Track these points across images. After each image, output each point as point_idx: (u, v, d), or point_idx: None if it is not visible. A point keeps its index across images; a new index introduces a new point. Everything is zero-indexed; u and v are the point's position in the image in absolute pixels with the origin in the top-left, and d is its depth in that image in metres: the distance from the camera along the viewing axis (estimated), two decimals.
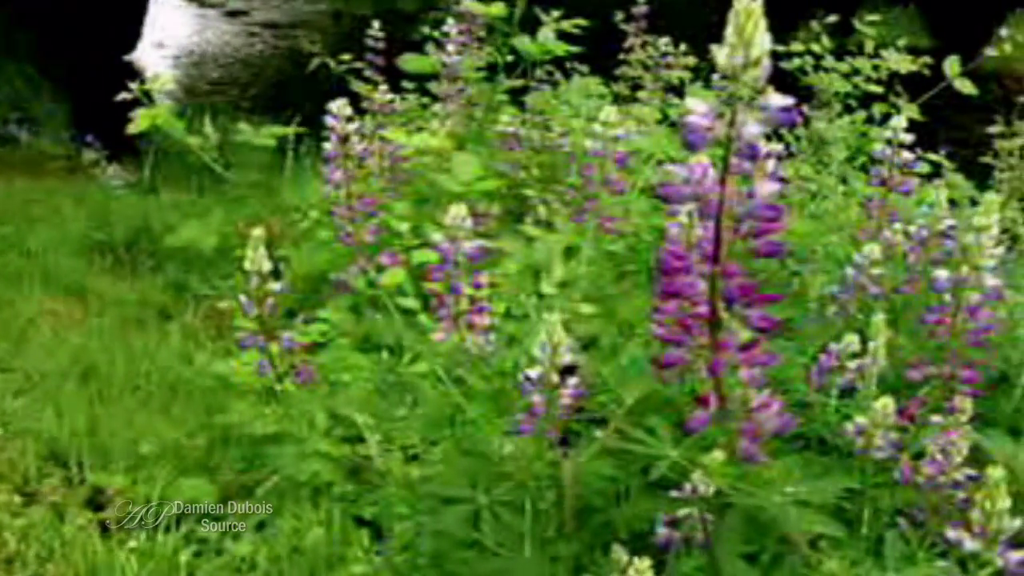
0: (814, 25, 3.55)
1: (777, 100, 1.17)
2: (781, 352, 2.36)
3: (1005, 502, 1.37)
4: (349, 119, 2.10)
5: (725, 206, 1.17)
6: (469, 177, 3.29)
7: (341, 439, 2.53)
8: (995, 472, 1.37)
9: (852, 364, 2.04)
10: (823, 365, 2.10)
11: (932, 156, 3.02)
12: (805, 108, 3.54)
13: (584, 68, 4.07)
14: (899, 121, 2.31)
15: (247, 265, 1.82)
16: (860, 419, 1.88)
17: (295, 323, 3.49)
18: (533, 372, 1.56)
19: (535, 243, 2.88)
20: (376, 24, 4.06)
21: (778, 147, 2.02)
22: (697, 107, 1.16)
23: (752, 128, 1.16)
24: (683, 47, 4.27)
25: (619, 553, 1.62)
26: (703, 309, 1.19)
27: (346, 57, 3.82)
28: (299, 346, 2.07)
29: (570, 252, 2.71)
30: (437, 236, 1.83)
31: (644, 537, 1.93)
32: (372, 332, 2.95)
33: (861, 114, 3.29)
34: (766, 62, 1.16)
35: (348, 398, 2.20)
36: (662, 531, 1.81)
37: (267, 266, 1.83)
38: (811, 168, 3.13)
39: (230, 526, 3.27)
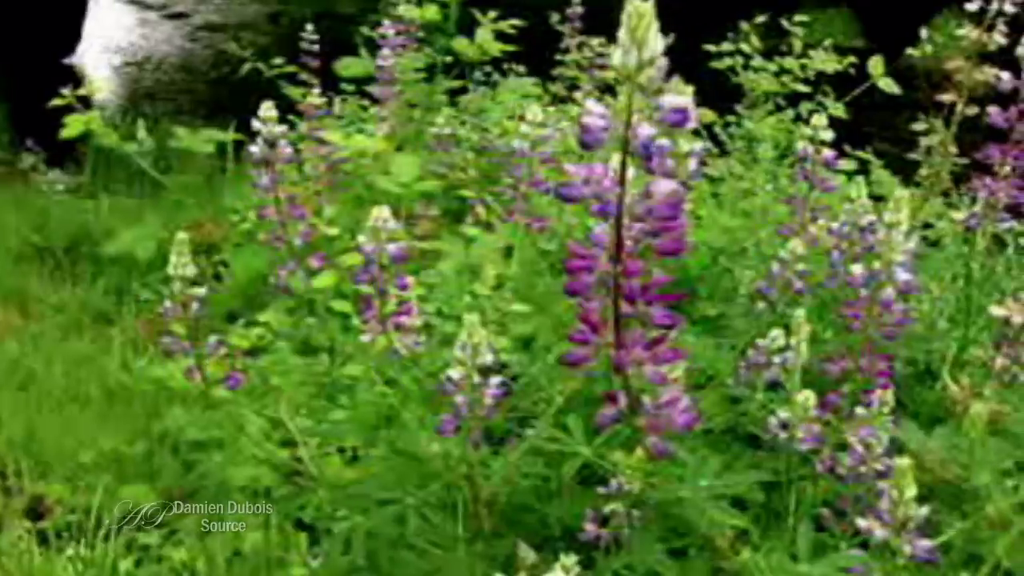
0: (743, 25, 3.61)
1: (671, 100, 1.19)
2: (711, 348, 2.42)
3: (912, 491, 1.40)
4: (277, 122, 2.09)
5: (624, 205, 1.19)
6: (408, 178, 3.29)
7: (282, 442, 2.53)
8: (902, 462, 1.41)
9: (778, 359, 2.07)
10: (751, 360, 2.13)
11: (859, 153, 3.08)
12: (739, 107, 3.60)
13: (522, 69, 4.10)
14: (819, 119, 2.35)
15: (170, 270, 1.82)
16: (782, 412, 1.91)
17: (234, 327, 3.48)
18: (454, 373, 1.57)
19: (474, 243, 2.90)
20: (310, 27, 4.05)
21: (699, 145, 2.05)
22: (594, 108, 1.18)
23: (646, 128, 1.17)
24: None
25: (524, 551, 1.64)
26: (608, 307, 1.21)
27: (278, 60, 3.80)
28: (223, 351, 2.06)
29: (510, 252, 2.73)
30: (361, 238, 1.84)
31: (578, 535, 1.96)
32: (310, 335, 2.95)
33: (790, 112, 3.35)
34: (661, 62, 1.18)
35: (278, 401, 2.20)
36: (589, 528, 1.83)
37: (191, 270, 1.82)
38: (742, 166, 3.18)
39: (171, 532, 3.26)
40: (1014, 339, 1.72)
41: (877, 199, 2.53)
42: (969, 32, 2.25)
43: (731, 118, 3.57)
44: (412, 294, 2.04)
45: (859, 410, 1.92)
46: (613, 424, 1.32)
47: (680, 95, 1.20)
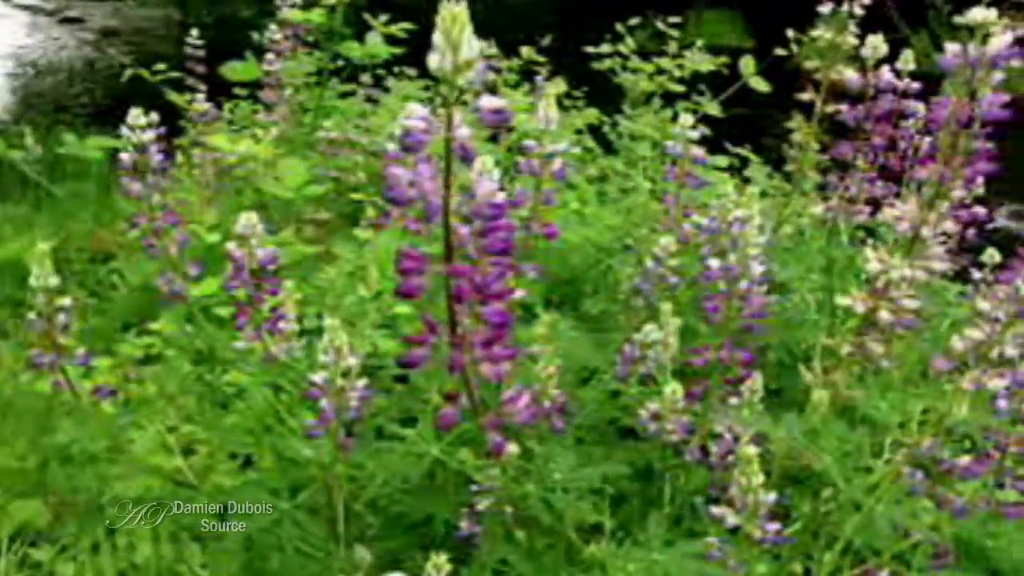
0: (619, 27, 3.67)
1: (488, 102, 1.22)
2: (592, 344, 2.46)
3: (759, 477, 1.45)
4: (145, 128, 2.06)
5: (451, 207, 1.22)
6: (297, 182, 3.28)
7: (182, 450, 2.51)
8: (748, 450, 1.45)
9: (652, 352, 2.12)
10: (627, 355, 2.18)
11: (739, 150, 3.16)
12: (625, 107, 3.66)
13: (413, 72, 4.10)
14: (685, 119, 2.41)
15: (32, 281, 1.78)
16: (652, 404, 1.96)
17: (127, 336, 3.43)
18: (317, 377, 1.57)
19: (364, 246, 2.90)
20: (195, 32, 4.01)
21: (563, 145, 2.08)
22: (415, 111, 1.20)
23: (464, 130, 1.20)
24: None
25: (361, 552, 1.66)
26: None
27: (161, 66, 3.75)
28: (92, 363, 2.03)
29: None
30: (230, 244, 1.83)
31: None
32: (193, 342, 2.92)
33: (668, 111, 3.42)
34: (478, 65, 1.20)
35: (166, 410, 2.18)
36: (464, 525, 1.85)
37: (54, 281, 1.79)
38: (626, 164, 3.23)
39: (64, 548, 3.20)
40: (861, 327, 1.78)
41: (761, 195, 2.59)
42: (824, 33, 2.33)
43: (618, 117, 3.63)
44: (289, 299, 2.04)
45: (732, 400, 1.98)
46: (456, 423, 1.35)
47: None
